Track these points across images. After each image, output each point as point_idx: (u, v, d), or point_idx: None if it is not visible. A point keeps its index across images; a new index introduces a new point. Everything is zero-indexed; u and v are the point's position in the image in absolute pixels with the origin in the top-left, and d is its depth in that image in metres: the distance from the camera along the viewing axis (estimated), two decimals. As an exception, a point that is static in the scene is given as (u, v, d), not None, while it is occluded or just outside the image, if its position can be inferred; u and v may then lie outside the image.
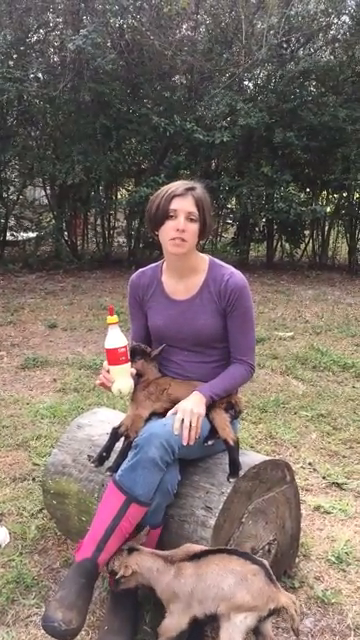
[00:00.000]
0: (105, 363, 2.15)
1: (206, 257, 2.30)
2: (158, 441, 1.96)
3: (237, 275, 2.23)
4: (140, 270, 2.40)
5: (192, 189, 2.15)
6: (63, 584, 1.89)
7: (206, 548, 1.95)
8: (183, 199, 2.13)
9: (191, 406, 2.07)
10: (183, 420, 2.03)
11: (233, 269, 2.26)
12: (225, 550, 1.94)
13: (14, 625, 2.09)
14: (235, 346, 2.26)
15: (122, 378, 2.13)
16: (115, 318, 2.12)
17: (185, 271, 2.26)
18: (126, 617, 2.00)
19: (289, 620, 1.85)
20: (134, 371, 2.20)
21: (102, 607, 2.15)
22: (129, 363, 2.15)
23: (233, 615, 1.79)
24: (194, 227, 2.15)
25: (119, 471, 2.01)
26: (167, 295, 2.30)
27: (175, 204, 2.12)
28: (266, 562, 1.89)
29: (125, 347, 2.11)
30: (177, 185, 2.17)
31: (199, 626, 1.96)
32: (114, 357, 2.10)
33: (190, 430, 2.02)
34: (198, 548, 1.94)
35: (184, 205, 2.12)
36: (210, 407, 2.18)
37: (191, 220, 2.14)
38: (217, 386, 2.20)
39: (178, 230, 2.12)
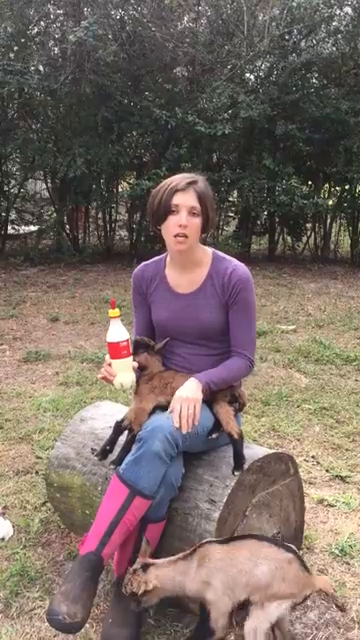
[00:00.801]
0: (107, 357, 2.14)
1: (209, 250, 2.29)
2: (162, 434, 1.95)
3: (240, 268, 2.21)
4: (144, 263, 2.38)
5: (194, 183, 2.12)
6: (67, 577, 1.89)
7: (230, 536, 1.94)
8: (185, 194, 2.10)
9: (186, 393, 2.06)
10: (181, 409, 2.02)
11: (236, 262, 2.25)
12: (254, 536, 1.93)
13: (18, 618, 2.09)
14: (235, 339, 2.24)
15: (124, 372, 2.13)
16: (117, 311, 2.12)
17: (188, 265, 2.25)
18: (130, 609, 2.00)
19: (331, 600, 1.88)
20: (136, 364, 2.19)
21: (106, 600, 2.15)
22: (131, 357, 2.14)
23: (267, 604, 1.78)
24: (196, 222, 2.12)
25: (123, 464, 2.01)
26: (171, 288, 2.28)
27: (177, 199, 2.10)
28: (296, 549, 1.88)
29: (127, 341, 2.10)
30: (179, 179, 2.13)
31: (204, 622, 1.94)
32: (116, 351, 2.10)
33: (188, 418, 2.01)
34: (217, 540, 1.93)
35: (186, 200, 2.10)
36: (214, 400, 2.18)
37: (193, 215, 2.11)
38: (214, 374, 2.18)
39: (180, 226, 2.10)
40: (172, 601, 1.99)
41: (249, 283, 2.20)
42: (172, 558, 1.92)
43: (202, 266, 2.25)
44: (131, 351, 2.14)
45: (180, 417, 2.00)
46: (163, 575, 1.86)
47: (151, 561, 1.90)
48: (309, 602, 2.18)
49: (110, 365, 2.13)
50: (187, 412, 2.01)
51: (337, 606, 1.90)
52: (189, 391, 2.07)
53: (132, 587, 1.85)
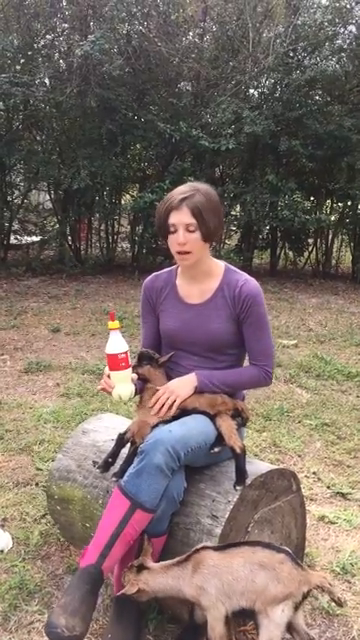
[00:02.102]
0: (106, 368, 2.15)
1: (222, 263, 2.31)
2: (164, 447, 1.95)
3: (251, 282, 2.23)
4: (154, 274, 2.40)
5: (187, 198, 2.10)
6: (67, 590, 1.87)
7: (226, 543, 1.95)
8: (179, 212, 2.11)
9: (175, 385, 2.17)
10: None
11: (247, 276, 2.26)
12: (248, 542, 1.94)
13: (17, 632, 2.07)
14: (251, 352, 2.27)
15: (122, 384, 2.14)
16: (116, 323, 2.13)
17: (199, 276, 2.26)
18: (130, 625, 1.98)
19: (327, 594, 1.88)
20: (135, 377, 2.20)
21: (105, 615, 2.13)
22: (130, 369, 2.14)
23: (270, 610, 1.78)
24: (194, 237, 2.12)
25: (124, 477, 2.00)
26: (181, 298, 2.30)
27: (172, 218, 2.12)
28: (288, 549, 1.90)
29: (126, 353, 2.10)
30: (175, 195, 2.13)
31: (195, 626, 1.96)
32: (114, 363, 2.10)
33: (163, 406, 2.13)
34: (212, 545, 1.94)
35: (180, 218, 2.11)
36: (217, 414, 2.18)
37: (190, 231, 2.12)
38: (217, 376, 2.21)
39: (180, 244, 2.13)
40: (172, 611, 1.98)
41: (259, 297, 2.22)
42: (166, 563, 1.93)
43: (213, 278, 2.26)
44: (130, 363, 2.14)
45: (157, 402, 2.14)
46: (153, 580, 1.89)
47: (147, 564, 1.92)
48: (310, 621, 2.16)
49: (109, 377, 2.14)
50: (165, 401, 2.13)
51: (334, 600, 1.89)
52: (179, 384, 2.18)
53: (123, 580, 1.92)
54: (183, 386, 2.18)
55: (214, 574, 1.84)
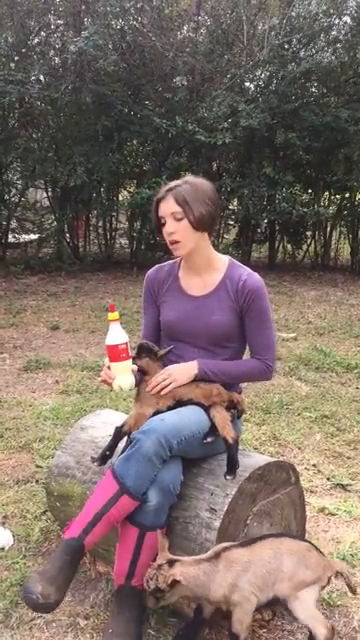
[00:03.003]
0: (106, 360, 2.15)
1: (226, 258, 2.32)
2: (154, 436, 1.97)
3: (254, 276, 2.24)
4: (158, 265, 2.42)
5: (173, 188, 2.15)
6: (49, 560, 1.91)
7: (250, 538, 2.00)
8: (165, 202, 2.16)
9: (175, 370, 2.19)
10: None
11: (250, 270, 2.28)
12: (272, 535, 1.99)
13: (18, 628, 2.07)
14: (253, 346, 2.28)
15: (123, 375, 2.14)
16: (116, 314, 2.13)
17: (201, 267, 2.27)
18: (131, 619, 1.98)
19: (345, 581, 1.98)
20: (135, 368, 2.20)
21: (107, 610, 2.14)
22: (130, 360, 2.14)
23: (300, 594, 1.87)
24: (182, 225, 2.14)
25: (117, 461, 2.03)
26: (183, 290, 2.31)
27: (160, 210, 2.17)
28: (311, 542, 2.01)
29: (126, 344, 2.11)
30: (162, 188, 2.19)
31: (199, 621, 1.98)
32: (115, 354, 2.10)
33: (158, 386, 2.16)
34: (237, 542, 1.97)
35: (167, 208, 2.15)
36: (211, 405, 2.19)
37: (178, 219, 2.14)
38: (219, 366, 2.22)
39: (168, 234, 2.16)
40: (173, 605, 1.99)
41: (262, 291, 2.23)
42: (196, 558, 1.92)
43: (217, 271, 2.28)
44: (130, 354, 2.14)
45: (156, 383, 2.17)
46: (188, 572, 1.84)
47: (176, 557, 1.90)
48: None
49: (109, 368, 2.15)
50: (161, 382, 2.16)
51: (349, 586, 2.00)
52: (179, 369, 2.20)
53: (157, 582, 1.82)
54: (183, 372, 2.19)
55: (246, 569, 1.87)
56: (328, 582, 1.95)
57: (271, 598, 1.89)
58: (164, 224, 2.17)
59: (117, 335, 2.09)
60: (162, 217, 2.17)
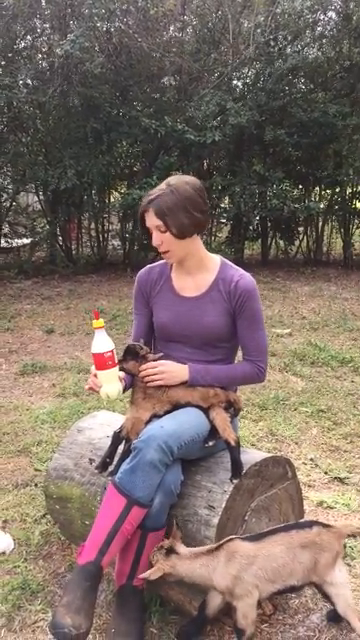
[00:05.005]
0: (92, 367, 2.15)
1: (217, 257, 2.32)
2: (156, 443, 1.96)
3: (247, 277, 2.24)
4: (149, 266, 2.41)
5: (154, 200, 2.12)
6: (67, 589, 1.89)
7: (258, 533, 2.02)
8: (147, 215, 2.17)
9: (169, 369, 2.19)
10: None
11: (243, 271, 2.27)
12: (281, 529, 2.00)
13: (21, 631, 2.09)
14: (244, 347, 2.28)
15: (110, 383, 2.12)
16: (101, 322, 2.12)
17: (193, 269, 2.28)
18: (133, 619, 2.00)
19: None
20: (122, 374, 2.19)
21: (108, 610, 2.15)
22: (116, 367, 2.13)
23: (330, 577, 1.94)
24: (166, 237, 2.15)
25: (118, 473, 2.02)
26: (175, 291, 2.30)
27: (146, 221, 2.19)
28: (313, 519, 2.10)
29: (112, 351, 2.10)
30: (145, 198, 2.17)
31: (202, 619, 2.00)
32: (101, 362, 2.09)
33: (149, 376, 2.18)
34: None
35: (150, 221, 2.17)
36: (210, 407, 2.19)
37: (162, 232, 2.15)
38: (211, 372, 2.22)
39: (155, 245, 2.19)
40: (175, 603, 2.00)
41: (255, 292, 2.23)
42: (196, 550, 1.95)
43: (209, 272, 2.27)
44: (116, 362, 2.13)
45: (147, 372, 2.18)
46: (181, 565, 1.91)
47: (177, 549, 1.94)
48: (312, 605, 2.19)
49: (96, 376, 2.14)
50: (153, 375, 2.18)
51: None
52: (172, 371, 2.20)
53: (152, 560, 1.95)
54: (173, 374, 2.19)
55: (252, 562, 1.89)
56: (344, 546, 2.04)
57: (287, 587, 1.95)
58: (151, 234, 2.19)
59: (102, 343, 2.09)
60: (148, 228, 2.19)
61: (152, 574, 1.90)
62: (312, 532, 1.96)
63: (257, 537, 1.97)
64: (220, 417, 2.17)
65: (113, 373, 2.12)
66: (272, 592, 1.93)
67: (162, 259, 2.34)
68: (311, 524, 2.00)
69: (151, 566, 1.93)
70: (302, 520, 2.16)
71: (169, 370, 2.20)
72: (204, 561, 1.91)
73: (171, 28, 9.66)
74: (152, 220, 2.14)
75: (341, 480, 3.10)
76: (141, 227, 2.22)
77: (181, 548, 1.94)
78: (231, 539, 1.94)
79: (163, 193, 2.12)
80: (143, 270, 2.40)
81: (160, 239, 2.16)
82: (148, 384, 2.19)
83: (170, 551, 1.93)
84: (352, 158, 8.94)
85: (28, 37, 9.18)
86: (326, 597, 2.00)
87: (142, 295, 2.38)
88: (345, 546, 2.16)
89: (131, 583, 2.04)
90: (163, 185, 2.16)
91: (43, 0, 8.66)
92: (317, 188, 10.51)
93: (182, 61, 9.09)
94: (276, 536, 1.95)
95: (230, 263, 2.32)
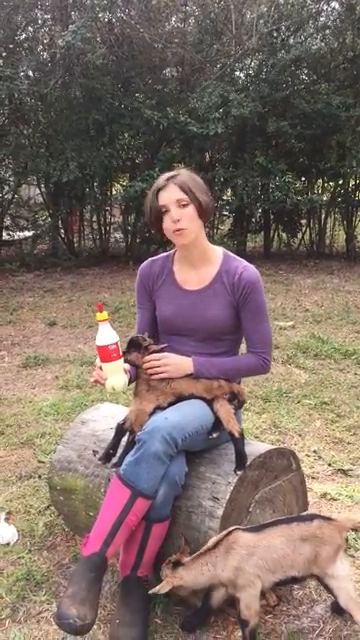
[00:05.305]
0: (97, 360, 2.14)
1: (220, 249, 2.30)
2: (160, 435, 1.96)
3: (251, 269, 2.22)
4: (151, 259, 2.39)
5: (173, 177, 2.14)
6: (72, 580, 1.89)
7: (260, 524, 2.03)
8: (167, 190, 2.13)
9: (173, 362, 2.18)
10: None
11: (247, 263, 2.25)
12: (282, 521, 2.00)
13: (26, 622, 2.09)
14: (249, 340, 2.26)
15: (115, 375, 2.12)
16: (105, 314, 2.11)
17: (197, 261, 2.25)
18: (137, 609, 2.00)
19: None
20: (127, 366, 2.18)
21: (113, 601, 2.15)
22: (121, 359, 2.12)
23: (332, 570, 1.93)
24: (189, 211, 2.13)
25: (123, 465, 2.02)
26: (178, 285, 2.28)
27: (162, 199, 2.13)
28: (313, 512, 2.09)
29: (116, 344, 2.09)
30: (160, 179, 2.17)
31: (206, 609, 2.00)
32: (105, 354, 2.09)
33: (152, 368, 2.17)
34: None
35: (170, 196, 2.12)
36: (214, 398, 2.19)
37: (183, 206, 2.12)
38: (215, 365, 2.21)
39: (175, 221, 2.12)
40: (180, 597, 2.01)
41: (259, 284, 2.21)
42: (196, 554, 1.96)
43: (212, 264, 2.25)
44: (121, 354, 2.12)
45: (151, 364, 2.17)
46: (188, 574, 1.93)
47: (183, 560, 1.95)
48: (315, 596, 2.19)
49: (101, 368, 2.13)
50: (157, 367, 2.17)
51: None
52: (175, 364, 2.19)
53: (161, 575, 1.97)
54: (178, 368, 2.18)
55: (253, 553, 1.89)
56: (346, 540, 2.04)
57: (288, 578, 1.95)
58: (165, 212, 2.14)
59: (107, 335, 2.08)
60: (164, 206, 2.13)
61: (161, 588, 1.92)
62: (313, 525, 1.96)
63: (258, 528, 1.97)
64: (224, 409, 2.17)
65: (118, 365, 2.11)
66: (273, 582, 1.94)
67: (164, 252, 2.32)
68: (312, 517, 2.00)
69: (161, 581, 1.95)
70: (304, 513, 2.17)
71: (173, 362, 2.19)
72: (206, 560, 1.92)
73: (173, 19, 9.60)
74: (174, 194, 2.11)
75: (345, 472, 3.09)
76: (155, 207, 2.16)
77: (185, 559, 1.96)
78: (232, 530, 1.94)
79: (180, 174, 2.15)
80: (145, 263, 2.38)
81: (180, 214, 2.11)
82: (152, 376, 2.18)
83: (177, 564, 1.95)
84: (355, 150, 8.90)
85: (29, 28, 9.14)
86: (328, 590, 2.00)
87: (145, 289, 2.36)
88: (347, 540, 2.16)
89: (135, 574, 2.05)
90: (175, 172, 2.18)
91: (44, -9, 8.63)
92: (320, 180, 10.47)
93: (184, 52, 9.03)
94: (277, 528, 1.95)
95: (233, 255, 2.30)
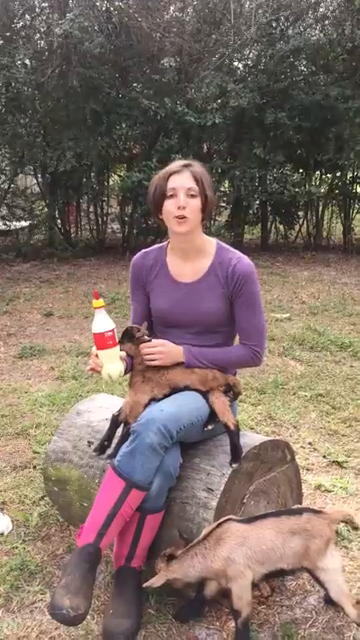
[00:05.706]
0: (94, 348, 2.13)
1: (213, 240, 2.28)
2: (155, 426, 1.96)
3: (245, 260, 2.20)
4: (143, 251, 2.37)
5: (189, 165, 2.14)
6: (66, 570, 1.89)
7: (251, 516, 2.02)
8: (180, 176, 2.11)
9: (167, 350, 2.18)
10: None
11: (240, 254, 2.23)
12: (272, 514, 2.01)
13: (19, 612, 2.09)
14: (241, 331, 2.25)
15: (111, 362, 2.11)
16: (101, 302, 2.10)
17: (191, 253, 2.23)
18: (131, 600, 2.01)
19: (350, 524, 2.17)
20: (124, 354, 2.16)
21: (107, 592, 2.16)
22: (117, 347, 2.11)
23: (322, 562, 1.92)
24: (195, 203, 2.11)
25: (117, 457, 2.01)
26: (172, 277, 2.27)
27: (173, 182, 2.11)
28: (304, 505, 2.09)
29: (112, 331, 2.08)
30: (174, 163, 2.16)
31: (200, 600, 2.01)
32: (101, 341, 2.08)
33: (148, 355, 2.17)
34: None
35: (182, 182, 2.10)
36: (209, 390, 2.18)
37: (192, 196, 2.11)
38: (206, 355, 2.20)
39: (179, 208, 2.10)
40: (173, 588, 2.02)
41: (253, 276, 2.19)
42: (188, 546, 1.96)
43: (206, 256, 2.23)
44: (117, 341, 2.11)
45: (147, 350, 2.17)
46: (180, 567, 1.93)
47: (176, 554, 1.95)
48: (309, 587, 2.20)
49: (97, 356, 2.12)
50: (153, 353, 2.17)
51: (356, 527, 2.17)
52: (169, 352, 2.18)
53: (155, 568, 1.97)
54: (170, 355, 2.18)
55: (242, 543, 1.89)
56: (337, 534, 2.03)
57: (277, 570, 1.94)
58: (171, 196, 2.12)
59: (103, 322, 2.07)
60: (173, 189, 2.10)
61: (155, 581, 1.93)
62: (302, 518, 1.95)
63: (248, 520, 1.97)
64: (219, 401, 2.16)
65: (114, 352, 2.10)
66: (262, 574, 1.93)
67: (160, 243, 2.31)
68: (301, 510, 2.00)
69: (155, 574, 1.96)
70: (294, 506, 2.17)
71: (166, 350, 2.19)
72: (197, 551, 1.92)
73: (171, 8, 9.52)
74: (187, 181, 2.10)
75: (339, 464, 3.10)
76: (161, 189, 2.13)
77: (178, 552, 1.96)
78: (225, 520, 1.94)
79: (195, 165, 2.15)
80: (138, 255, 2.36)
81: (186, 202, 2.10)
82: (147, 363, 2.18)
83: (171, 558, 1.95)
84: (353, 142, 8.85)
85: (26, 16, 9.05)
86: (319, 583, 1.99)
87: (138, 281, 2.34)
88: (339, 532, 2.17)
89: (129, 565, 2.05)
90: (189, 161, 2.18)
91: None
92: (318, 172, 10.43)
93: (182, 42, 8.96)
94: (266, 520, 1.95)
95: (227, 246, 2.28)
